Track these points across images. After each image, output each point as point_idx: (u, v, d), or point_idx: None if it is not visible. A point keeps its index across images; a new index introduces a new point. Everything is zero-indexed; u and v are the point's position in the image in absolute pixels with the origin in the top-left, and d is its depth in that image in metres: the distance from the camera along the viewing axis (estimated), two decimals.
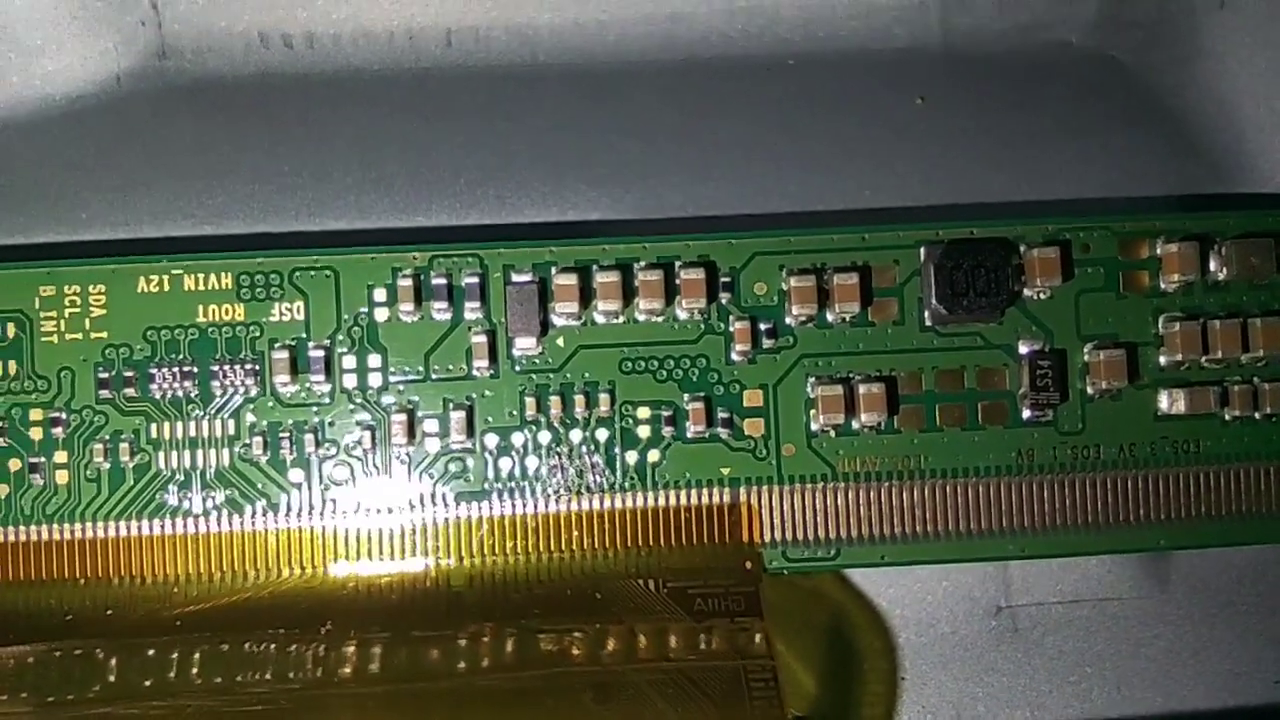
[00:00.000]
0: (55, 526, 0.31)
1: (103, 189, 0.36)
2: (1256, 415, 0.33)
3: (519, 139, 0.37)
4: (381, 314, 0.32)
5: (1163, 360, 0.33)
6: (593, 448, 0.32)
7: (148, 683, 0.30)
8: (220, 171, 0.36)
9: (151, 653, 0.31)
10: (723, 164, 0.36)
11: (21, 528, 0.31)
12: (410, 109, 0.37)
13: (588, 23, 0.38)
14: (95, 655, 0.31)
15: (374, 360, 0.32)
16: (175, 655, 0.30)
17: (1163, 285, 0.33)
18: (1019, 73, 0.38)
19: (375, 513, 0.32)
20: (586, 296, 0.32)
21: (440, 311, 0.32)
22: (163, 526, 0.32)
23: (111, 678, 0.30)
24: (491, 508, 0.32)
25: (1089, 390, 0.33)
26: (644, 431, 0.32)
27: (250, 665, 0.30)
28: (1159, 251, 0.33)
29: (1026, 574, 0.36)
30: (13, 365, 0.32)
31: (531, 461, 0.32)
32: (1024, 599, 0.36)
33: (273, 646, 0.30)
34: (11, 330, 0.32)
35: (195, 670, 0.30)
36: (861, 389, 0.32)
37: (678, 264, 0.32)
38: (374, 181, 0.36)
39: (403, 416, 0.32)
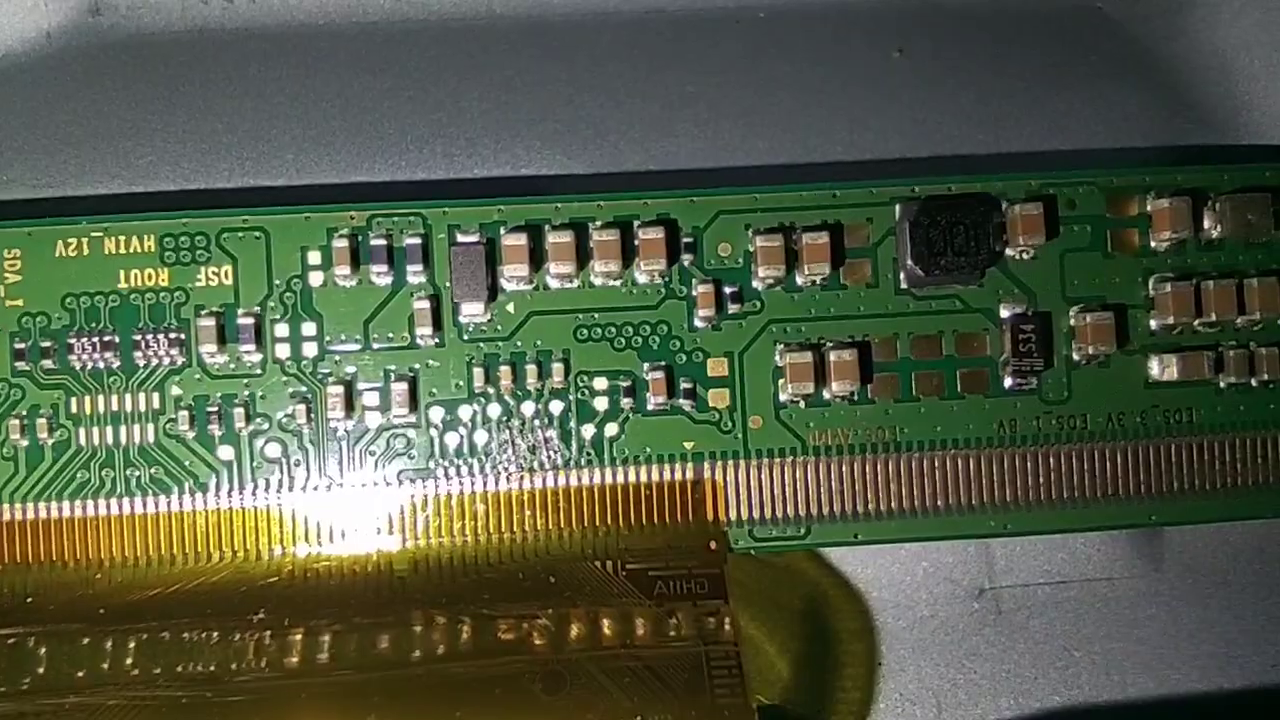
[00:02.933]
0: None
1: (28, 149, 0.34)
2: (1253, 382, 0.31)
3: (469, 93, 0.34)
4: (316, 278, 0.30)
5: (1153, 324, 0.31)
6: (546, 421, 0.30)
7: (80, 673, 0.28)
8: (152, 130, 0.34)
9: (85, 641, 0.28)
10: (686, 119, 0.34)
11: None
12: (355, 64, 0.35)
13: None
14: (26, 644, 0.28)
15: (308, 329, 0.30)
16: (110, 644, 0.28)
17: (1153, 244, 0.31)
18: (1001, 23, 0.36)
19: (312, 492, 0.30)
20: (538, 259, 0.30)
21: (380, 275, 0.30)
22: (84, 508, 0.29)
23: (41, 669, 0.28)
24: (437, 486, 0.30)
25: (1075, 356, 0.31)
26: (601, 404, 0.30)
27: (190, 655, 0.28)
28: (1149, 208, 0.31)
29: (1010, 553, 0.34)
30: None
31: (480, 436, 0.30)
32: (1008, 580, 0.34)
33: (213, 635, 0.28)
34: None
35: (130, 660, 0.28)
36: (832, 356, 0.30)
37: (636, 223, 0.30)
38: (314, 139, 0.34)
39: (340, 389, 0.29)
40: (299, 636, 0.28)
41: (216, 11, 0.36)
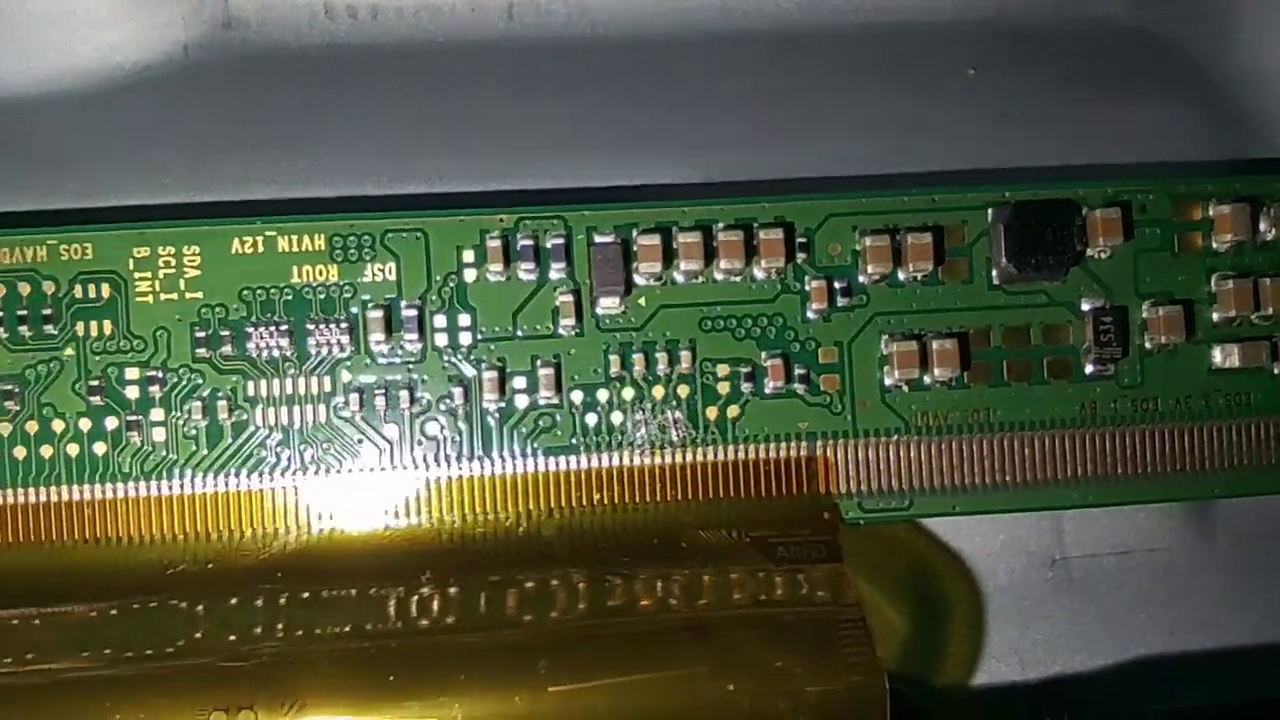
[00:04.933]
0: (153, 483, 0.32)
1: (182, 155, 0.37)
2: None
3: (585, 109, 0.37)
4: (470, 274, 0.33)
5: (1216, 316, 0.34)
6: (674, 403, 0.33)
7: (232, 637, 0.31)
8: (289, 139, 0.37)
9: (234, 601, 0.31)
10: (786, 131, 0.37)
11: (120, 485, 0.32)
12: (477, 80, 0.38)
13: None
14: (179, 607, 0.31)
15: (464, 320, 0.33)
16: (288, 602, 0.31)
17: (1215, 245, 0.34)
18: (1063, 44, 0.39)
19: (469, 464, 0.33)
20: (668, 257, 0.33)
21: (527, 272, 0.33)
22: (260, 482, 0.32)
23: (198, 633, 0.31)
24: (578, 461, 0.33)
25: (1147, 345, 0.34)
26: (724, 388, 0.33)
27: (366, 613, 0.31)
28: (1211, 213, 0.34)
29: (1079, 526, 0.37)
30: (108, 325, 0.32)
31: (616, 417, 0.33)
32: (1077, 550, 0.37)
33: (387, 592, 0.31)
34: (106, 291, 0.32)
35: (312, 618, 0.31)
36: (935, 345, 0.33)
37: (755, 225, 0.33)
38: (449, 149, 0.37)
39: (493, 374, 0.33)
40: (460, 593, 0.31)
41: (343, 26, 0.39)
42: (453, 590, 0.31)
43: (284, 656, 0.29)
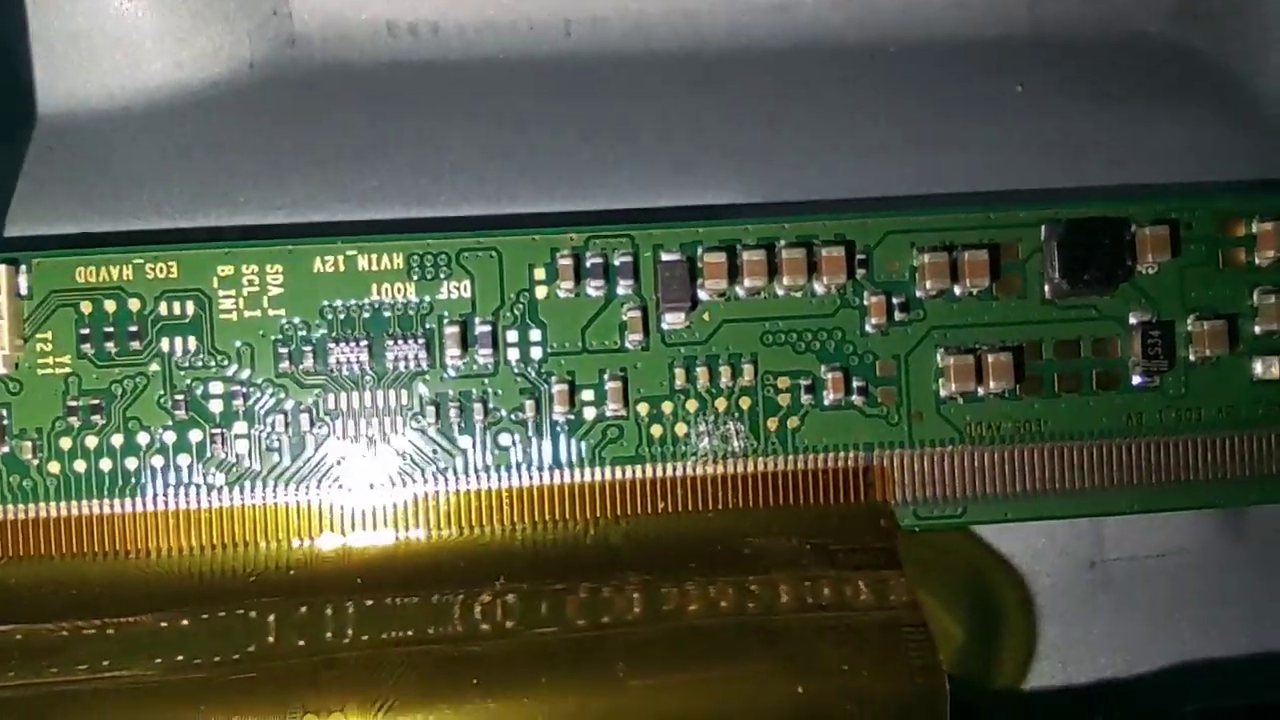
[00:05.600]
0: (237, 493, 0.33)
1: (254, 172, 0.37)
2: None
3: (645, 127, 0.38)
4: (541, 291, 0.34)
5: (1258, 329, 0.35)
6: (737, 415, 0.34)
7: (301, 642, 0.32)
8: (356, 156, 0.38)
9: (319, 607, 0.33)
10: (840, 148, 0.38)
11: (204, 495, 0.33)
12: (538, 97, 0.39)
13: (698, 12, 0.40)
14: (249, 616, 0.32)
15: (535, 335, 0.34)
16: (349, 607, 0.32)
17: (1258, 261, 0.35)
18: (1106, 60, 0.40)
19: (539, 474, 0.34)
20: (732, 273, 0.34)
21: (595, 289, 0.34)
22: (340, 491, 0.34)
23: (284, 638, 0.32)
24: (644, 471, 0.34)
25: (1192, 358, 0.35)
26: (784, 400, 0.34)
27: (437, 619, 0.32)
28: (1254, 230, 0.35)
29: (1118, 530, 0.39)
30: (193, 341, 0.33)
31: (680, 428, 0.34)
32: (1116, 554, 0.39)
33: (456, 598, 0.32)
34: (191, 308, 0.33)
35: (365, 626, 0.32)
36: (990, 358, 0.34)
37: (816, 242, 0.34)
38: (515, 167, 0.38)
39: (563, 387, 0.34)
40: (535, 597, 0.32)
41: (405, 44, 0.40)
42: (528, 595, 0.32)
43: (372, 660, 0.31)
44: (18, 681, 0.31)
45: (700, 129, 0.38)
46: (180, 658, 0.32)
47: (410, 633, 0.32)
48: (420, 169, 0.38)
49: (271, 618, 0.32)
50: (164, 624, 0.32)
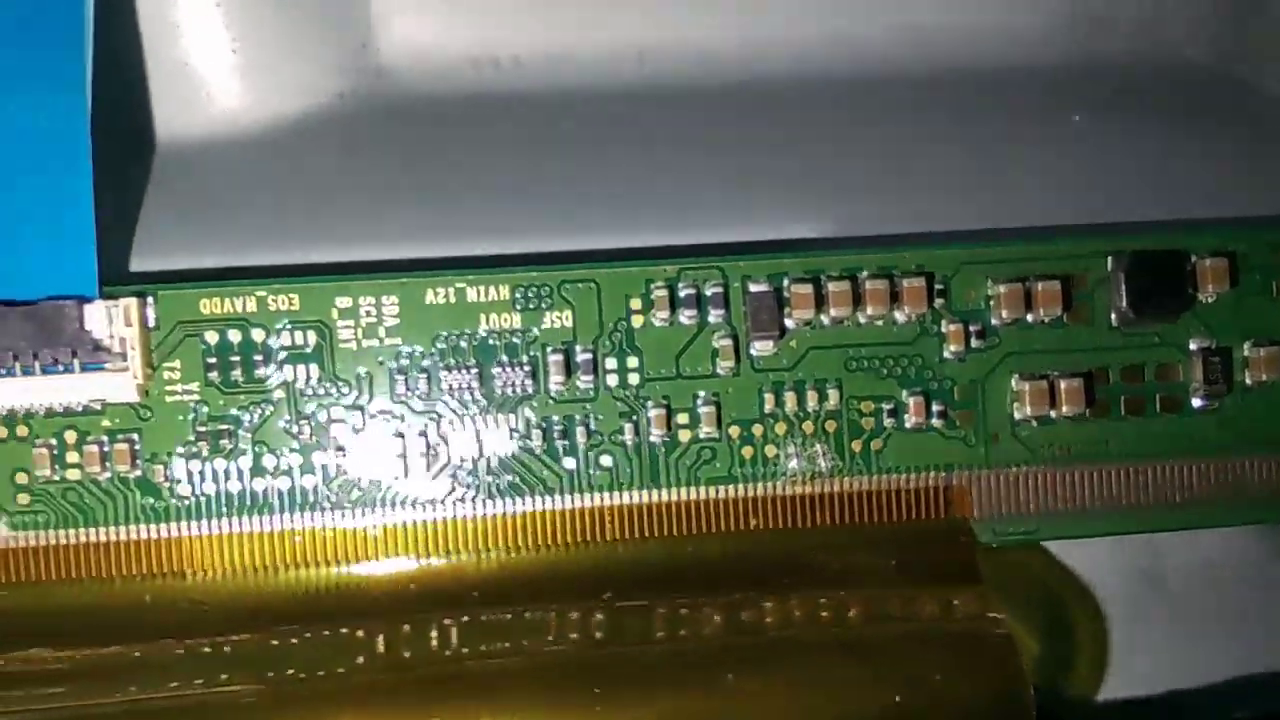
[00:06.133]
0: (354, 512, 0.36)
1: (347, 204, 0.40)
2: None
3: (720, 158, 0.40)
4: (638, 320, 0.36)
5: None
6: (823, 437, 0.36)
7: (407, 654, 0.34)
8: (447, 187, 0.40)
9: (406, 628, 0.35)
10: (907, 180, 0.40)
11: (327, 514, 0.35)
12: (620, 128, 0.41)
13: (770, 44, 0.42)
14: (355, 635, 0.35)
15: (632, 361, 0.36)
16: (483, 618, 0.34)
17: None
18: (1159, 91, 0.42)
19: (639, 493, 0.36)
20: (818, 303, 0.36)
21: (689, 318, 0.36)
22: (454, 510, 0.36)
23: (412, 650, 0.34)
24: (736, 490, 0.36)
25: (1249, 381, 0.37)
26: (868, 423, 0.36)
27: (537, 631, 0.34)
28: None
29: (1177, 545, 0.41)
30: (315, 369, 0.36)
31: (770, 449, 0.36)
32: (1176, 567, 0.41)
33: (564, 611, 0.34)
34: (313, 338, 0.36)
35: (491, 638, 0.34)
36: (1062, 384, 0.36)
37: (897, 273, 0.36)
38: (588, 198, 0.40)
39: (659, 411, 0.36)
40: (645, 610, 0.34)
41: (489, 75, 0.42)
42: (638, 607, 0.34)
43: (503, 670, 0.33)
44: (166, 694, 0.33)
45: (775, 162, 0.40)
46: (306, 673, 0.34)
47: (534, 644, 0.34)
48: (504, 203, 0.40)
49: (404, 628, 0.34)
50: (294, 640, 0.34)
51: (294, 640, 0.34)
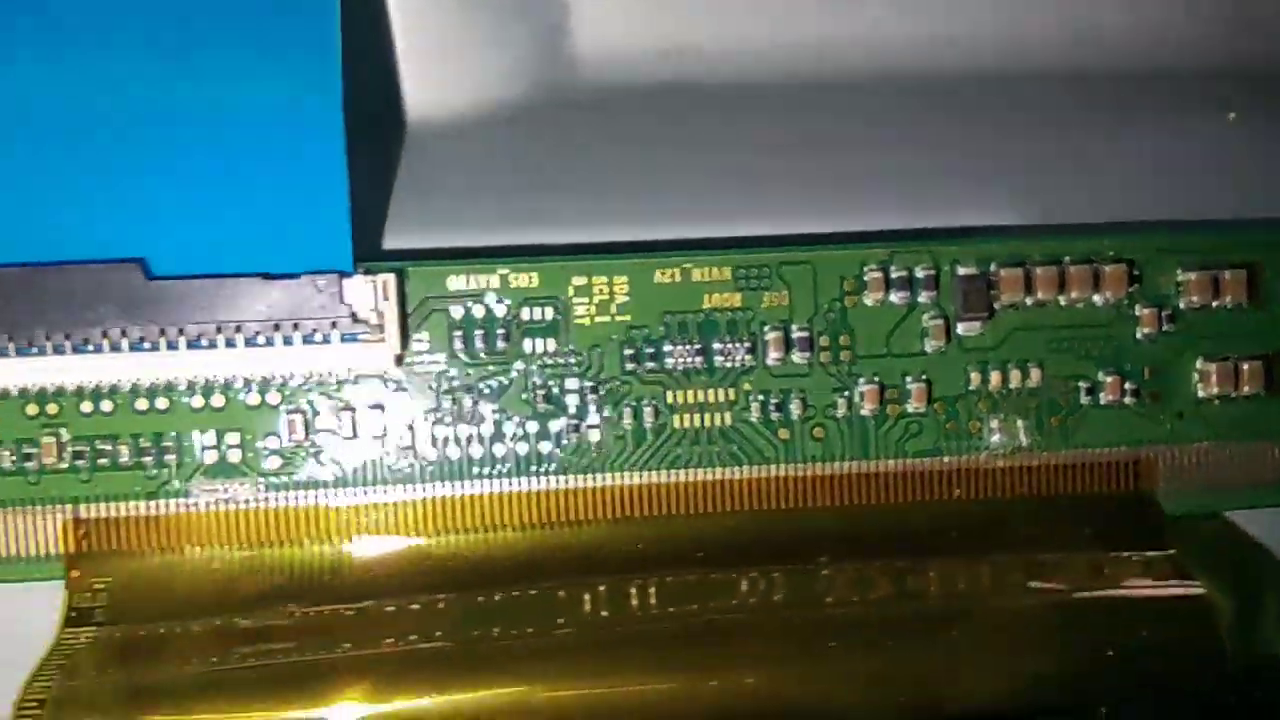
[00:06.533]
0: (587, 476, 0.38)
1: (552, 188, 0.42)
2: None
3: (913, 147, 0.42)
4: (851, 301, 0.38)
5: None
6: (1025, 413, 0.39)
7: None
8: (649, 173, 0.42)
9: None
10: (1087, 172, 0.42)
11: (561, 477, 0.38)
12: (811, 118, 0.43)
13: (939, 37, 0.44)
14: (557, 595, 0.37)
15: (844, 340, 0.38)
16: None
17: None
18: None
19: (851, 464, 0.38)
20: (1025, 286, 0.38)
21: (900, 299, 0.38)
22: (678, 475, 0.38)
23: (602, 611, 0.36)
24: (943, 462, 0.39)
25: None
26: (1067, 400, 0.39)
27: (770, 590, 0.37)
28: None
29: None
30: (552, 343, 0.38)
31: (975, 425, 0.39)
32: None
33: (776, 575, 0.37)
34: (551, 314, 0.38)
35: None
36: (1244, 365, 0.39)
37: (1094, 259, 0.39)
38: (789, 185, 0.42)
39: (870, 387, 0.38)
40: (868, 568, 0.37)
41: (670, 67, 0.44)
42: (855, 569, 0.37)
43: (718, 626, 0.35)
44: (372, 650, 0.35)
45: (974, 153, 0.42)
46: (517, 630, 0.36)
47: (753, 601, 0.36)
48: (715, 189, 0.42)
49: (618, 589, 0.37)
50: (515, 593, 0.37)
51: (518, 594, 0.37)
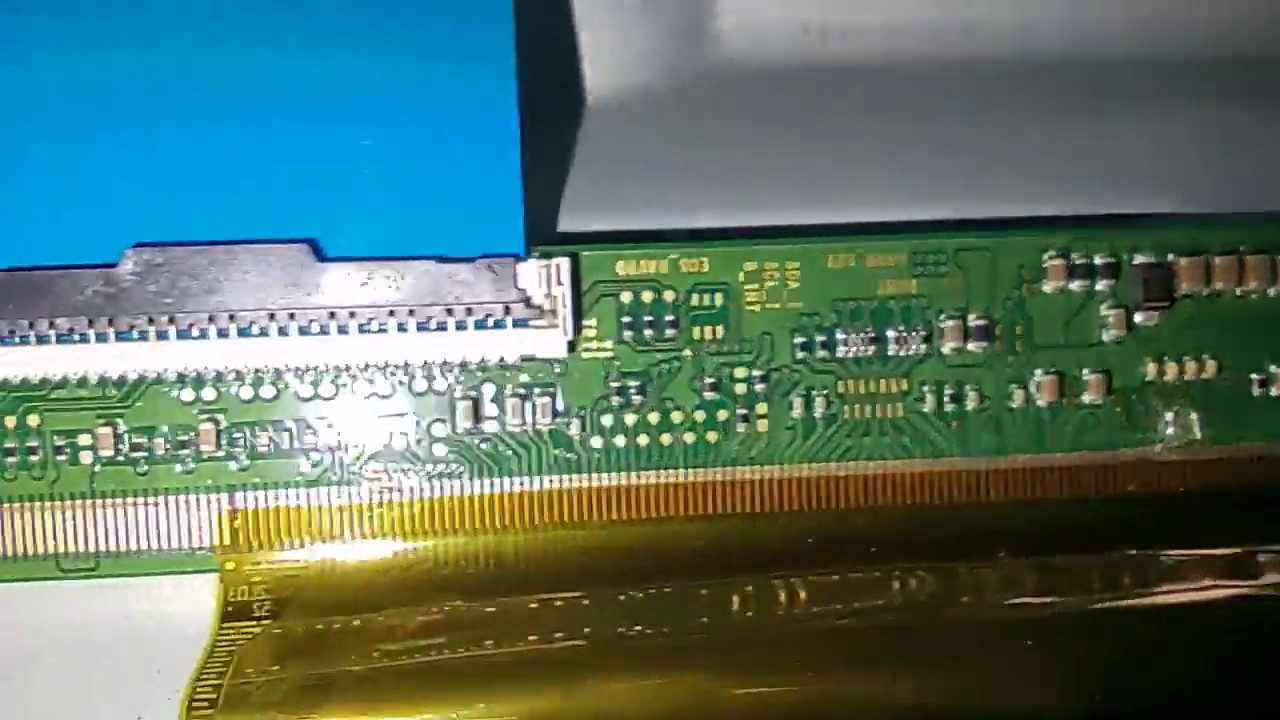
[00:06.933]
0: (755, 468, 0.37)
1: (691, 170, 0.40)
2: None
3: (1056, 132, 0.41)
4: (1029, 288, 0.37)
5: None
6: (1198, 404, 0.38)
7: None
8: (817, 155, 0.41)
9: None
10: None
11: (728, 469, 0.37)
12: (952, 99, 0.42)
13: (1083, 21, 0.43)
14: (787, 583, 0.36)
15: (1020, 329, 0.37)
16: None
17: None
18: None
19: (1023, 457, 0.37)
20: (1205, 275, 0.37)
21: (1079, 287, 0.37)
22: (847, 468, 0.37)
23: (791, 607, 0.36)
24: (1116, 455, 0.37)
25: None
26: (1241, 390, 0.38)
27: (901, 589, 0.36)
28: None
29: None
30: (720, 330, 0.37)
31: (1149, 418, 0.38)
32: None
33: (964, 566, 0.36)
34: (720, 300, 0.36)
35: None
36: None
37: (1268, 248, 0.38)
38: (921, 168, 0.41)
39: (1050, 378, 0.37)
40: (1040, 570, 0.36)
41: (815, 46, 0.43)
42: (1037, 564, 0.36)
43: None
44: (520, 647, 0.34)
45: (1136, 139, 0.41)
46: (706, 619, 0.35)
47: (934, 599, 0.35)
48: (863, 172, 0.41)
49: (796, 587, 0.36)
50: (704, 590, 0.36)
51: (705, 590, 0.36)
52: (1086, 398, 0.37)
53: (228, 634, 0.35)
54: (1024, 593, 0.36)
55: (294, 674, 0.34)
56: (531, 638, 0.35)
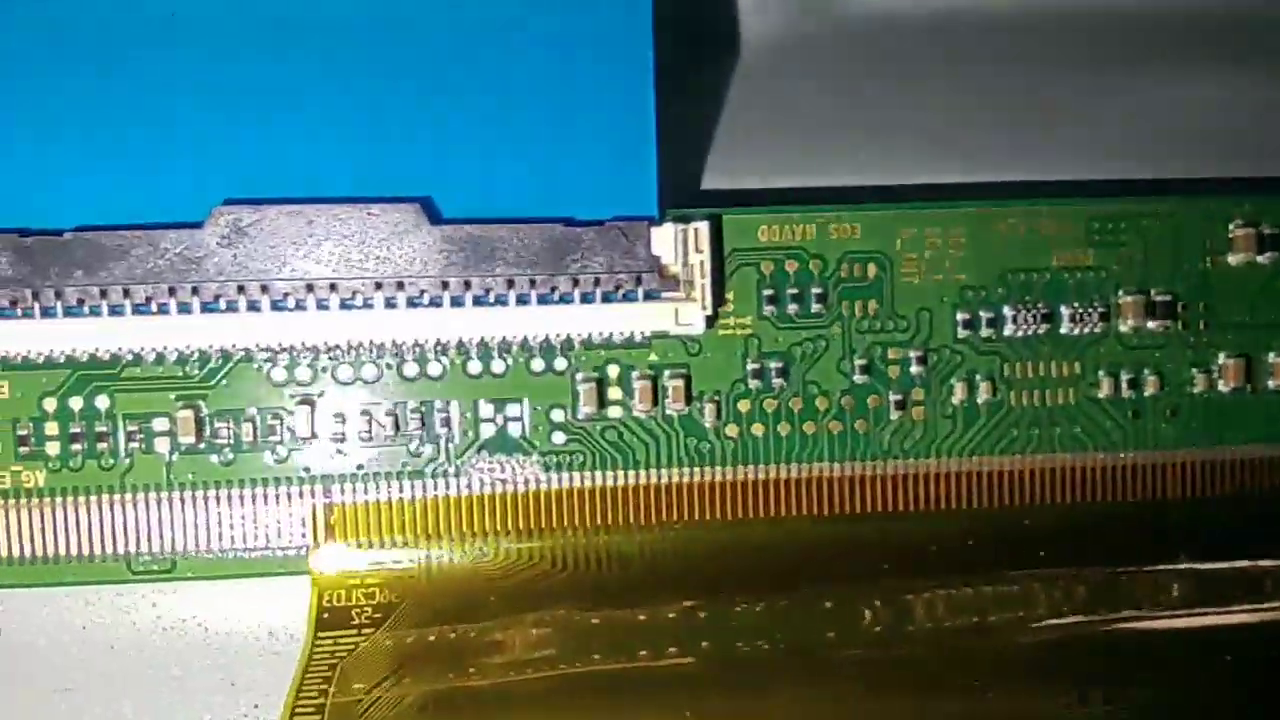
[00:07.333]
0: (910, 461, 0.33)
1: (854, 127, 0.36)
2: None
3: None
4: (1213, 259, 0.33)
5: None
6: None
7: (877, 628, 0.32)
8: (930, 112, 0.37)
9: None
10: None
11: (879, 462, 0.33)
12: (1079, 61, 0.38)
13: None
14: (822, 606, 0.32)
15: (1202, 307, 0.33)
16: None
17: None
18: None
19: (1192, 452, 0.33)
20: None
21: (1266, 258, 0.33)
22: (1011, 461, 0.33)
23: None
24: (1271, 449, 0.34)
25: None
26: None
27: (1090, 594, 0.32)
28: None
29: None
30: (873, 305, 0.33)
31: None
32: None
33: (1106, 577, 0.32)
34: (872, 270, 0.32)
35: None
36: None
37: None
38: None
39: (1236, 360, 0.33)
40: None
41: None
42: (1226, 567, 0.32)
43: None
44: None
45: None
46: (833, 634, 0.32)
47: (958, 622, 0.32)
48: (1029, 128, 0.37)
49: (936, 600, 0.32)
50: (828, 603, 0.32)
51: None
52: (1272, 383, 0.33)
53: (324, 643, 0.31)
54: (1208, 603, 0.32)
55: (410, 689, 0.30)
56: (643, 653, 0.31)
